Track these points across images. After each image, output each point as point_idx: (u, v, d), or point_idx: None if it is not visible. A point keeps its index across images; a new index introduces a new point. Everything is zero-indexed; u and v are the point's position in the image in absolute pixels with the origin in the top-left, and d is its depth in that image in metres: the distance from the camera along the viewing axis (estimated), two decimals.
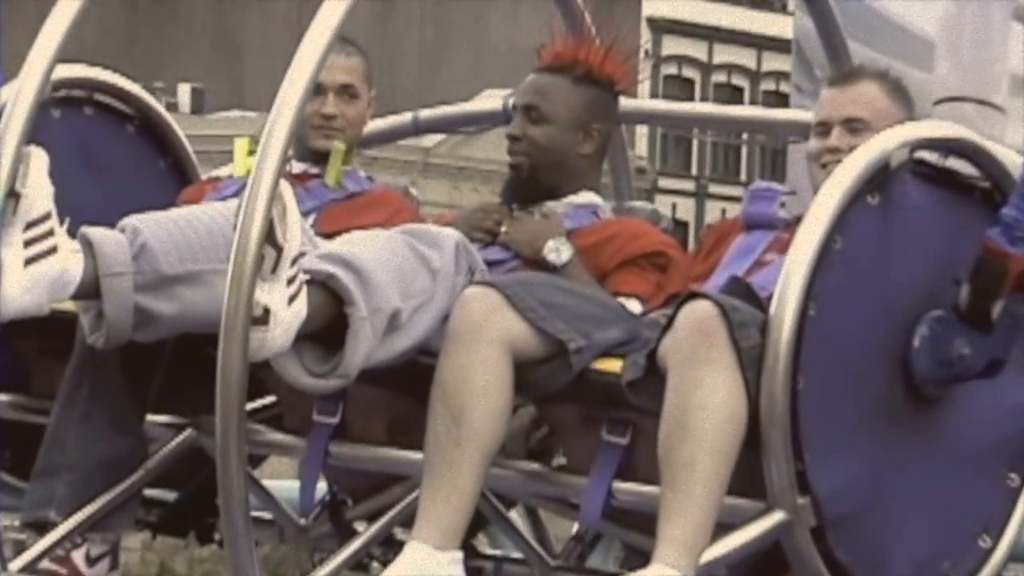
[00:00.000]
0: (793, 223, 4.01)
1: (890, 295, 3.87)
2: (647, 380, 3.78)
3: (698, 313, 3.70)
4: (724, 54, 36.13)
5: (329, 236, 4.17)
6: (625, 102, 4.69)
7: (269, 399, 4.41)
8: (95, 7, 4.33)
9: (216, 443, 3.70)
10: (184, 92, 40.72)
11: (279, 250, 3.68)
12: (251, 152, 4.55)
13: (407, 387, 4.02)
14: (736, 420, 3.69)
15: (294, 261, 3.71)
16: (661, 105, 5.54)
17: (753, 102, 35.61)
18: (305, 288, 3.75)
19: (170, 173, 4.81)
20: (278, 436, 4.20)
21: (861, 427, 3.85)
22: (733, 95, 36.20)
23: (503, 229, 4.40)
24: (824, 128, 4.12)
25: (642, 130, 33.61)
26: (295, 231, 3.71)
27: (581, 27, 4.69)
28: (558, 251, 4.31)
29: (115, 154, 4.65)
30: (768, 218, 4.19)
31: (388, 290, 3.88)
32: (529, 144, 4.42)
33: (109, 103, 4.68)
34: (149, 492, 4.47)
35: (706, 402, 3.67)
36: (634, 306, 4.18)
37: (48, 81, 3.98)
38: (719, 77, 35.97)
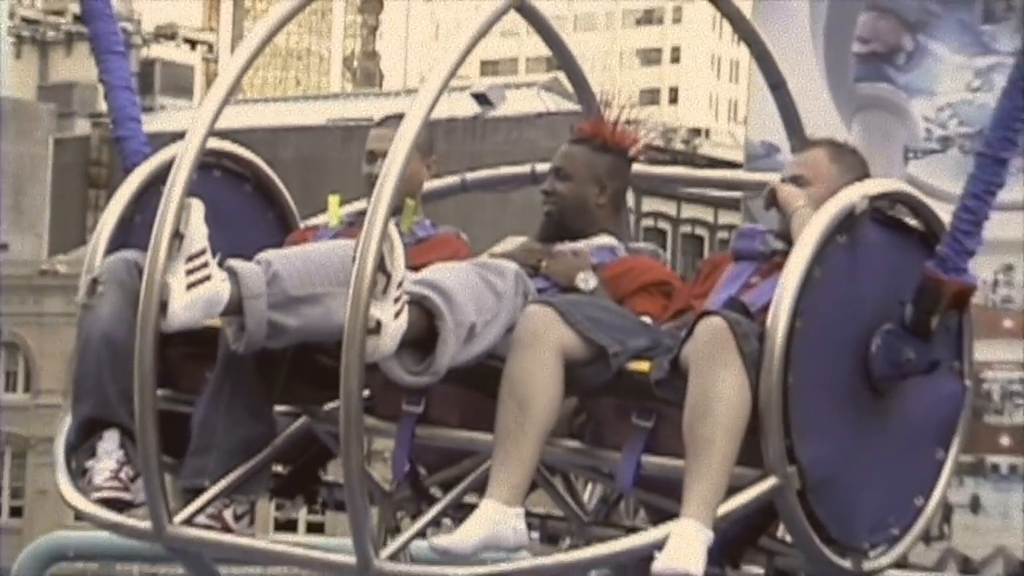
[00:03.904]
0: (770, 255, 3.83)
1: (855, 312, 3.67)
2: (670, 379, 3.58)
3: (712, 327, 3.52)
4: (688, 211, 35.56)
5: (413, 267, 3.88)
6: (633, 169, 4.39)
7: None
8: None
9: (341, 427, 3.48)
10: None
11: (388, 276, 3.49)
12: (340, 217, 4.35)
13: (478, 383, 3.74)
14: (744, 407, 3.50)
15: (399, 285, 3.53)
16: (659, 170, 5.22)
17: (711, 248, 35.06)
18: (407, 306, 3.56)
19: (277, 223, 4.45)
20: (374, 421, 3.82)
21: (834, 413, 3.65)
22: (695, 243, 35.71)
23: (543, 264, 4.07)
24: (786, 179, 3.92)
25: None
26: (400, 262, 3.53)
27: (600, 118, 4.31)
28: (587, 281, 3.98)
29: (236, 207, 4.30)
30: (753, 252, 3.90)
31: (467, 308, 3.66)
32: (558, 196, 4.15)
33: (232, 167, 4.35)
34: None
35: (721, 394, 3.47)
36: (647, 322, 3.93)
37: (204, 148, 3.77)
38: (685, 229, 35.41)
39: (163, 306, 3.58)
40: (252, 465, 3.86)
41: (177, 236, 3.58)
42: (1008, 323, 11.57)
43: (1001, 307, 11.73)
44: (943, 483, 3.86)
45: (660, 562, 3.44)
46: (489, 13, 3.68)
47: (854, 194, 3.65)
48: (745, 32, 4.28)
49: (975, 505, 11.37)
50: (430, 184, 4.42)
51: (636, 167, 4.38)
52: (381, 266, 3.46)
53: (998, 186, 3.64)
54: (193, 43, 66.74)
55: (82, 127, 46.72)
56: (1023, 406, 11.42)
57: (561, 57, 4.57)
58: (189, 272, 3.58)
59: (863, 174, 3.87)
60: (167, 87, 55.71)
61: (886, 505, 3.75)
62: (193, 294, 3.58)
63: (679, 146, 37.99)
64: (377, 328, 3.44)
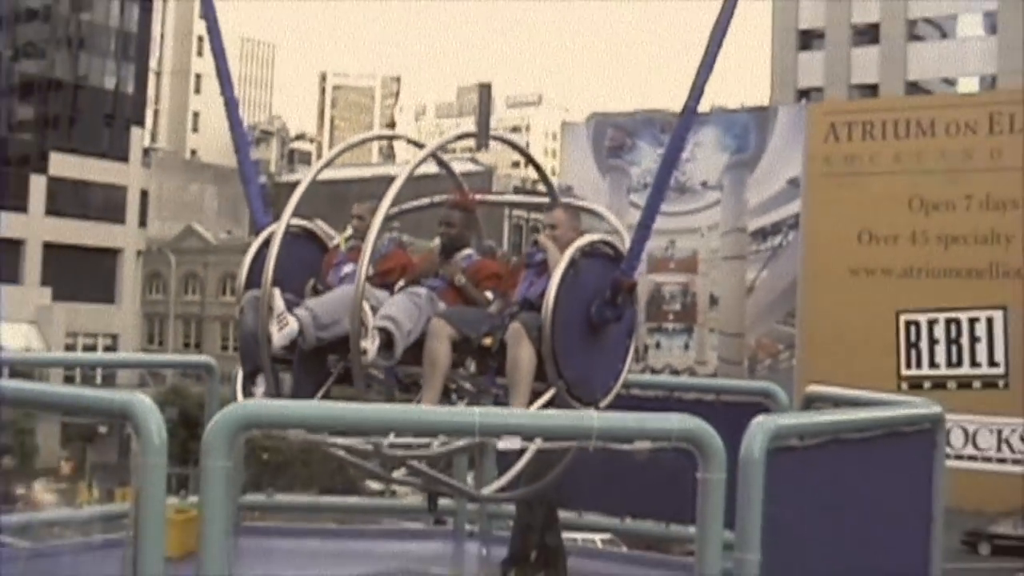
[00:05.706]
0: (541, 263, 3.55)
1: (582, 299, 3.43)
2: (501, 348, 3.42)
3: (515, 327, 3.38)
4: (534, 215, 34.80)
5: (377, 272, 3.70)
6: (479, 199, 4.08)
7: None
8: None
9: (353, 370, 3.34)
10: None
11: (366, 327, 3.36)
12: (345, 238, 3.93)
13: (416, 347, 3.48)
14: (533, 360, 3.34)
15: (373, 327, 3.39)
16: (492, 197, 4.82)
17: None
18: (377, 335, 3.41)
19: (320, 250, 3.99)
20: (373, 371, 3.58)
21: (579, 346, 3.42)
22: (531, 232, 34.89)
23: (439, 271, 3.74)
24: (544, 227, 3.66)
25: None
26: (371, 318, 3.40)
27: (464, 192, 3.96)
28: (460, 278, 3.67)
29: (301, 249, 3.91)
30: (533, 263, 3.62)
31: (406, 322, 3.48)
32: (448, 236, 3.81)
33: (296, 231, 3.92)
34: None
35: (522, 358, 3.33)
36: (490, 296, 3.65)
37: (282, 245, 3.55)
38: (532, 225, 34.58)
39: (268, 339, 3.50)
40: (320, 395, 3.61)
41: (270, 310, 3.48)
42: (672, 265, 11.75)
43: (668, 257, 11.85)
44: (631, 354, 3.61)
45: (500, 444, 3.22)
46: (413, 163, 3.32)
47: (574, 248, 3.43)
48: (523, 154, 4.01)
49: (657, 345, 11.51)
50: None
51: (493, 196, 4.22)
52: (362, 322, 3.32)
53: (647, 239, 3.39)
54: (311, 140, 65.73)
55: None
56: (679, 301, 11.55)
57: (441, 166, 4.17)
58: (278, 323, 3.51)
59: (578, 220, 3.64)
60: (300, 161, 55.15)
61: (606, 377, 3.51)
62: (281, 333, 3.50)
63: (531, 187, 38.19)
64: (365, 352, 3.33)
